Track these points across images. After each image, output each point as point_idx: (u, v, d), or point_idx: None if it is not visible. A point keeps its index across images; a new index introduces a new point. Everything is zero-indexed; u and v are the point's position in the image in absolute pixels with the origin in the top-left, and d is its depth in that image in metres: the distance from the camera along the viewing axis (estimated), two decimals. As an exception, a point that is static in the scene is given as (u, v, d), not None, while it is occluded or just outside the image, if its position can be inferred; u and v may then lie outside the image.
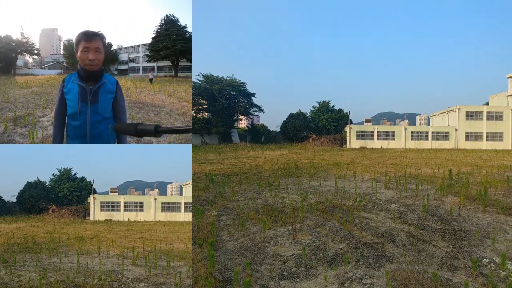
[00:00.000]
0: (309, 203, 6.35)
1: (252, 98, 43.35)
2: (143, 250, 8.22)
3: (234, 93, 41.51)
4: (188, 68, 41.18)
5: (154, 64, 44.71)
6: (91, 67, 2.30)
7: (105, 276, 5.32)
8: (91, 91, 2.34)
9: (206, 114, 41.30)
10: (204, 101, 40.86)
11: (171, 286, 4.91)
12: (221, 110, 40.13)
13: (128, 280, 5.16)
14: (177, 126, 1.43)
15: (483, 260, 3.57)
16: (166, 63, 42.06)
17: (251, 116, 46.79)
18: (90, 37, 2.26)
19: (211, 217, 5.63)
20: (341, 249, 3.96)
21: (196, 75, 41.07)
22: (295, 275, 3.32)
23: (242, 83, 41.56)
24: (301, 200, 6.21)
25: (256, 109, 44.68)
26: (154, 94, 17.72)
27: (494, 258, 3.62)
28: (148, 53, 41.94)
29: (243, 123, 51.71)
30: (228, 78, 41.00)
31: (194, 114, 40.31)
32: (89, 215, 22.00)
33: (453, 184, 8.50)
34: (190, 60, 39.41)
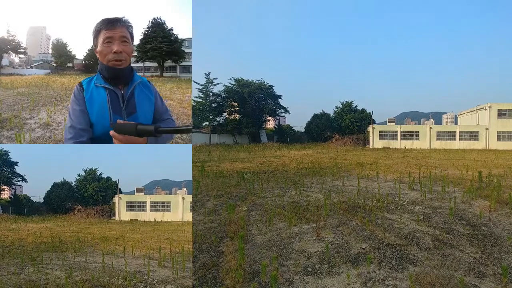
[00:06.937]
0: (332, 202, 6.17)
1: (279, 100, 43.14)
2: (170, 251, 7.48)
3: (263, 95, 41.60)
4: (173, 69, 40.70)
5: (142, 64, 43.84)
6: (117, 63, 1.61)
7: (130, 276, 4.97)
8: (123, 97, 1.66)
9: (238, 115, 41.85)
10: (236, 103, 41.46)
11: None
12: (251, 112, 40.47)
13: (154, 282, 4.78)
14: (177, 126, 1.24)
15: (515, 269, 3.21)
16: (153, 64, 41.69)
17: (277, 117, 46.55)
18: (113, 24, 1.62)
19: (242, 212, 5.71)
20: (364, 248, 3.80)
21: (228, 79, 41.38)
22: (318, 271, 3.25)
23: (270, 85, 41.53)
24: (324, 199, 6.06)
25: (283, 110, 44.36)
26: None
27: (527, 267, 3.23)
28: (136, 54, 41.09)
29: (270, 124, 51.63)
30: (257, 82, 41.23)
31: (227, 116, 41.10)
32: (114, 215, 20.65)
33: (483, 186, 7.71)
34: (175, 61, 38.56)
